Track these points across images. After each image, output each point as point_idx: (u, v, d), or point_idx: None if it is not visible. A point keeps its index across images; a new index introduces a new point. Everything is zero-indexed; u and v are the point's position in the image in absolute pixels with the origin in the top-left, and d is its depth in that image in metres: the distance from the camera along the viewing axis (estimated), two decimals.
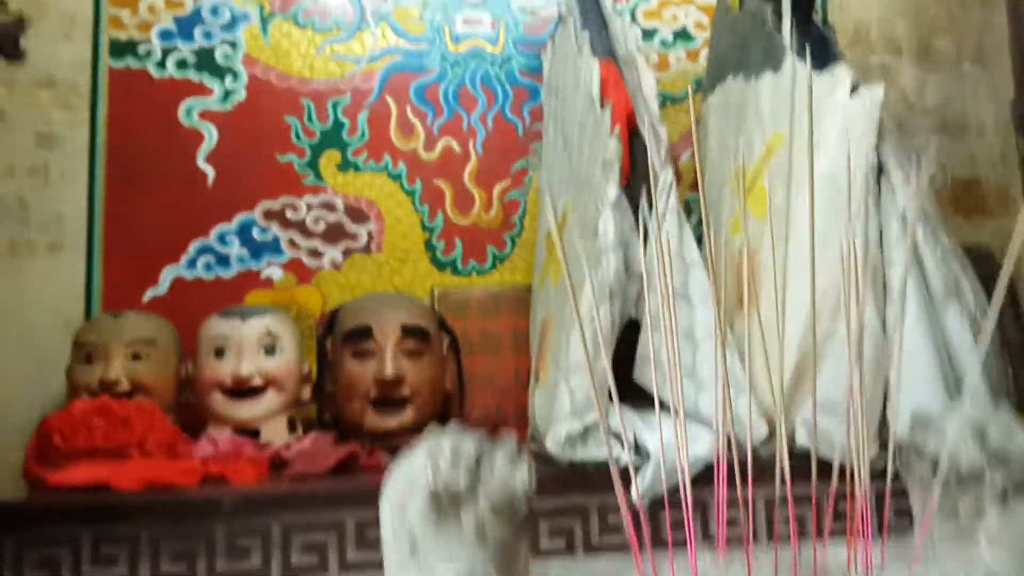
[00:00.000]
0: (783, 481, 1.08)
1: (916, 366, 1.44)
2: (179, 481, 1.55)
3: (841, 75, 1.48)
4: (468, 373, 2.02)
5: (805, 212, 1.47)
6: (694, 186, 2.13)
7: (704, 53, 2.21)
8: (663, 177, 1.53)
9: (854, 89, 1.47)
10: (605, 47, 1.74)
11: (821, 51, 1.74)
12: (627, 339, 1.60)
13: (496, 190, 2.17)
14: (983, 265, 1.88)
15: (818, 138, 1.49)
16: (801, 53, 1.66)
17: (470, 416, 2.02)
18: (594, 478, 1.53)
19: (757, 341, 1.55)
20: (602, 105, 1.58)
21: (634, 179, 1.60)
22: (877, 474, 1.15)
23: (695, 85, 2.21)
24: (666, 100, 2.20)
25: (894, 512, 1.17)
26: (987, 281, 1.75)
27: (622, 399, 1.57)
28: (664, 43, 2.24)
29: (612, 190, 1.50)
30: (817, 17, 1.79)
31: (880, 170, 1.48)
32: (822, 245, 1.45)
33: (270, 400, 1.82)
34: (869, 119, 1.44)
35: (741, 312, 1.62)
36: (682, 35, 2.25)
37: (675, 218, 1.52)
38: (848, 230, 1.39)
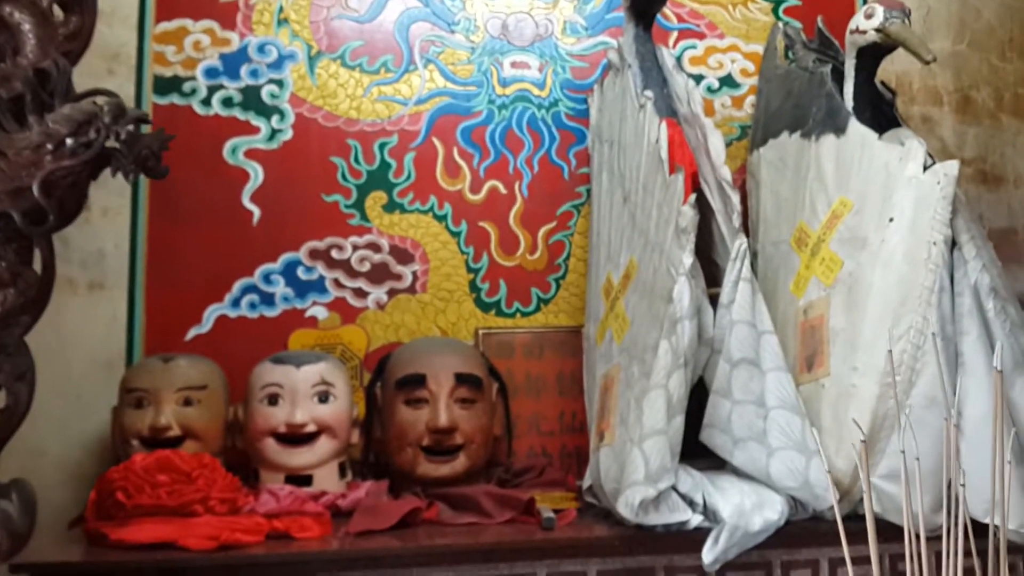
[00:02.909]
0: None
1: (982, 436, 1.46)
2: (246, 539, 1.54)
3: (915, 150, 1.50)
4: (513, 415, 2.02)
5: (879, 284, 1.51)
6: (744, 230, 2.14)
7: (749, 100, 2.23)
8: (735, 245, 1.54)
9: (928, 165, 1.49)
10: (667, 106, 1.75)
11: (883, 114, 1.77)
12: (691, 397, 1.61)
13: (541, 232, 2.17)
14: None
15: (891, 211, 1.51)
16: (864, 118, 1.68)
17: (516, 459, 2.03)
18: (661, 540, 1.55)
19: (827, 406, 1.58)
20: (672, 169, 1.59)
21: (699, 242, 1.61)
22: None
23: (740, 131, 2.23)
24: None
25: None
26: None
27: (685, 458, 1.59)
28: (710, 89, 2.25)
29: (687, 258, 1.50)
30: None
31: (953, 243, 1.50)
32: (896, 317, 1.49)
33: (323, 447, 1.82)
34: (944, 195, 1.45)
35: (806, 375, 1.64)
36: (727, 82, 2.26)
37: (748, 286, 1.53)
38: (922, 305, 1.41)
